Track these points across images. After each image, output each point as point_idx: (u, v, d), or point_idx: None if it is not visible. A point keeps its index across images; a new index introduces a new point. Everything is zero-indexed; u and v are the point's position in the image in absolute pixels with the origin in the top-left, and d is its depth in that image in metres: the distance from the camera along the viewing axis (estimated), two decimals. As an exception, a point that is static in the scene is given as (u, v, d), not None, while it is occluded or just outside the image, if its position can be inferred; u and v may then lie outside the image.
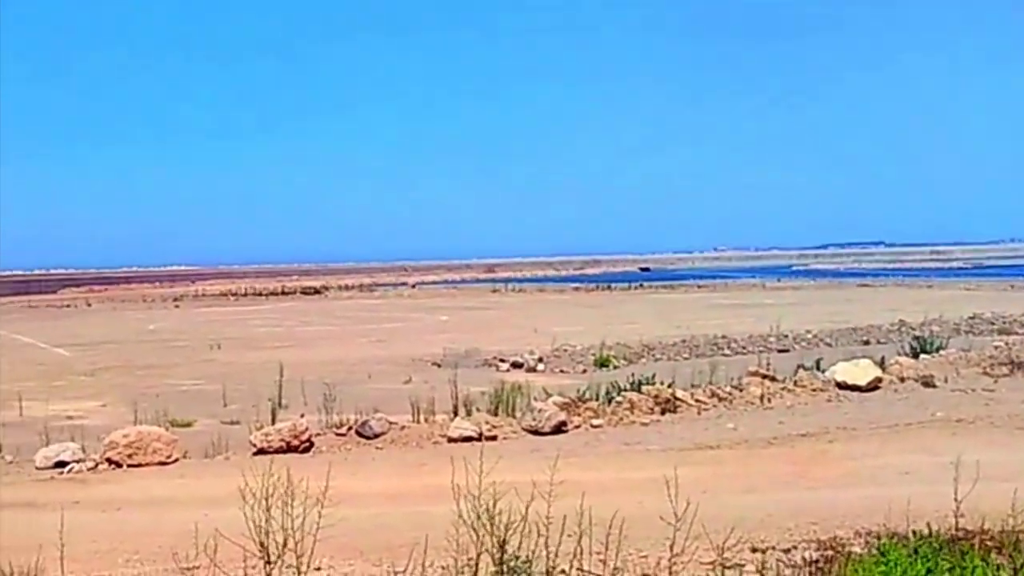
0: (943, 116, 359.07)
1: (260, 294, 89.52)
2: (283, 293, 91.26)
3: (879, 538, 8.44)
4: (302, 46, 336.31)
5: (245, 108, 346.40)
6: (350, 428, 15.39)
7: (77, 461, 13.52)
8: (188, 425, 17.10)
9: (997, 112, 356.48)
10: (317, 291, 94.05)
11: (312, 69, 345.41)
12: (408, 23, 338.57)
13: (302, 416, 16.12)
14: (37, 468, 13.50)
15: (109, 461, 13.58)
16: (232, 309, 65.58)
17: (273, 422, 15.48)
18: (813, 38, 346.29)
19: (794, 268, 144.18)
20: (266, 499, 7.10)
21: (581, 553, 7.27)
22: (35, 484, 12.77)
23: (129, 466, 13.47)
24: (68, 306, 75.05)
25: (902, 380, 20.20)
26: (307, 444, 14.55)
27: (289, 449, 14.13)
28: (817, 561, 8.19)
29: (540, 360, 27.07)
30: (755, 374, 19.86)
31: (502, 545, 7.22)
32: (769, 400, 18.28)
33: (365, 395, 19.13)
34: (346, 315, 54.89)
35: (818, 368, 21.02)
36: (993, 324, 35.56)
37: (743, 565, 8.12)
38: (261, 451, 13.96)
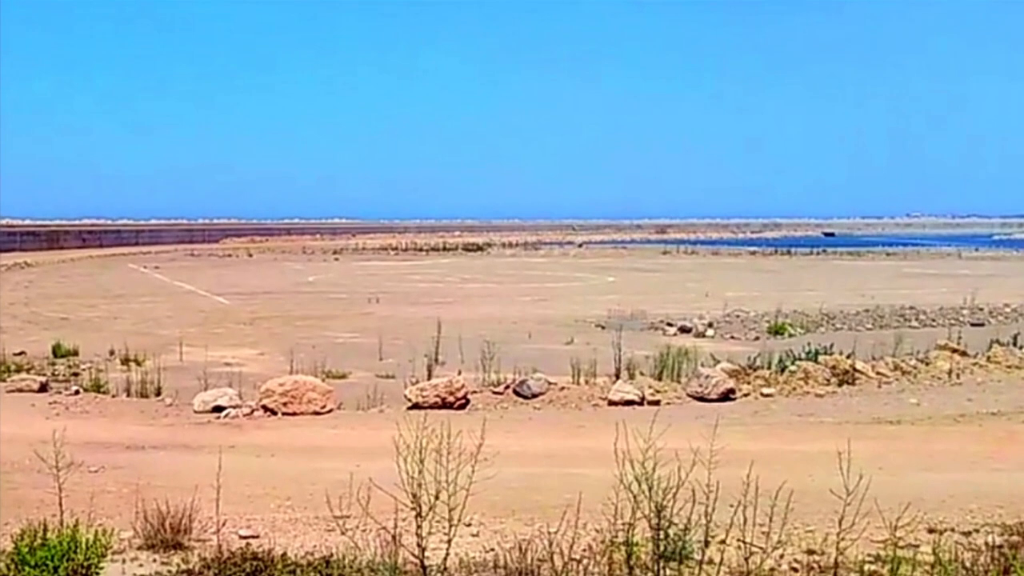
0: None
1: (421, 249, 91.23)
2: (444, 249, 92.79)
3: (1071, 525, 8.20)
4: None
5: (422, 65, 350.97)
6: (507, 387, 15.64)
7: (234, 407, 14.16)
8: (343, 377, 17.66)
9: None
10: (480, 248, 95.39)
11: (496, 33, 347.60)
12: None
13: (459, 373, 16.47)
14: (195, 412, 14.19)
15: (265, 408, 14.16)
16: (392, 263, 67.04)
17: (429, 377, 15.86)
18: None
19: (995, 237, 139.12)
20: (419, 452, 7.30)
21: (744, 523, 7.27)
22: (192, 427, 13.43)
23: (284, 414, 14.02)
24: (230, 255, 78.07)
25: (1113, 360, 19.40)
26: (463, 401, 14.84)
27: (444, 405, 14.43)
28: (1001, 546, 7.98)
29: (710, 325, 26.89)
30: (944, 348, 19.37)
31: (659, 511, 7.26)
32: (958, 376, 17.78)
33: (524, 355, 19.37)
34: (508, 273, 55.48)
35: (1015, 344, 20.38)
36: None
37: (917, 546, 7.98)
38: (416, 406, 14.31)
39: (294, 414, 14.01)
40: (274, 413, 14.07)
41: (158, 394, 15.62)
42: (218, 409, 14.11)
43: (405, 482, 7.30)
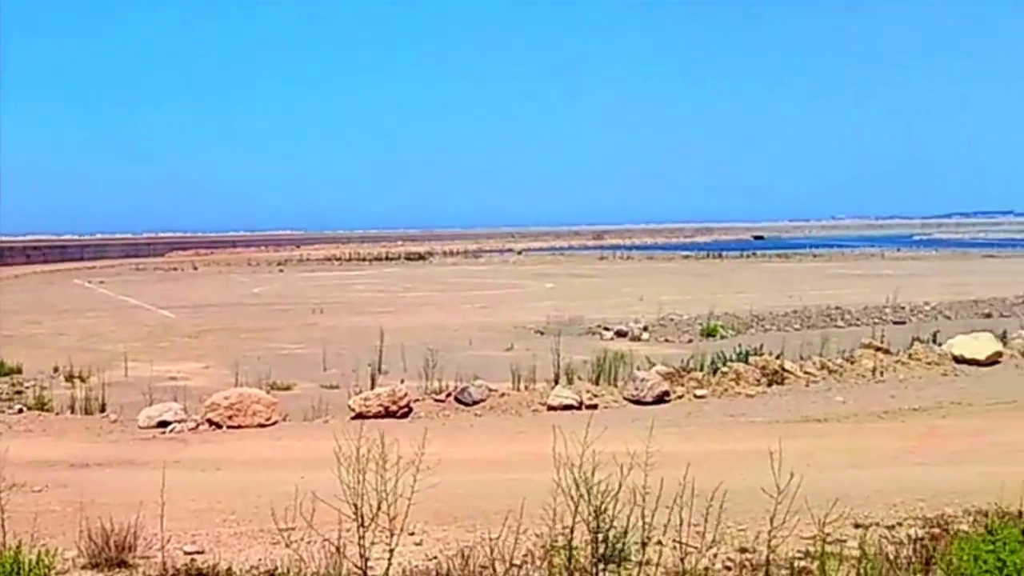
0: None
1: (364, 259, 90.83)
2: (387, 258, 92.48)
3: (988, 517, 8.29)
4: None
5: (356, 74, 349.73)
6: (449, 394, 15.58)
7: (179, 421, 13.97)
8: (288, 388, 17.49)
9: None
10: (421, 257, 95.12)
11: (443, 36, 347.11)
12: None
13: (402, 381, 16.39)
14: (140, 427, 13.98)
15: (210, 422, 13.99)
16: (336, 274, 66.64)
17: (372, 387, 15.73)
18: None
19: (916, 238, 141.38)
20: (361, 463, 7.24)
21: (680, 523, 7.28)
22: (137, 443, 13.21)
23: (229, 427, 13.86)
24: (175, 269, 77.11)
25: (1024, 355, 19.73)
26: (405, 409, 14.76)
27: (387, 414, 14.36)
28: (922, 539, 8.07)
29: (645, 329, 26.97)
30: (868, 346, 19.54)
31: (598, 514, 7.26)
32: (881, 373, 18.00)
33: (466, 362, 19.32)
34: (449, 281, 55.39)
35: (935, 341, 20.60)
36: None
37: (844, 541, 8.05)
38: (360, 415, 14.21)
39: (239, 427, 13.84)
40: (219, 427, 13.90)
41: (103, 410, 15.32)
42: (163, 424, 13.91)
43: (348, 492, 7.25)
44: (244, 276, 65.16)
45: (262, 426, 13.95)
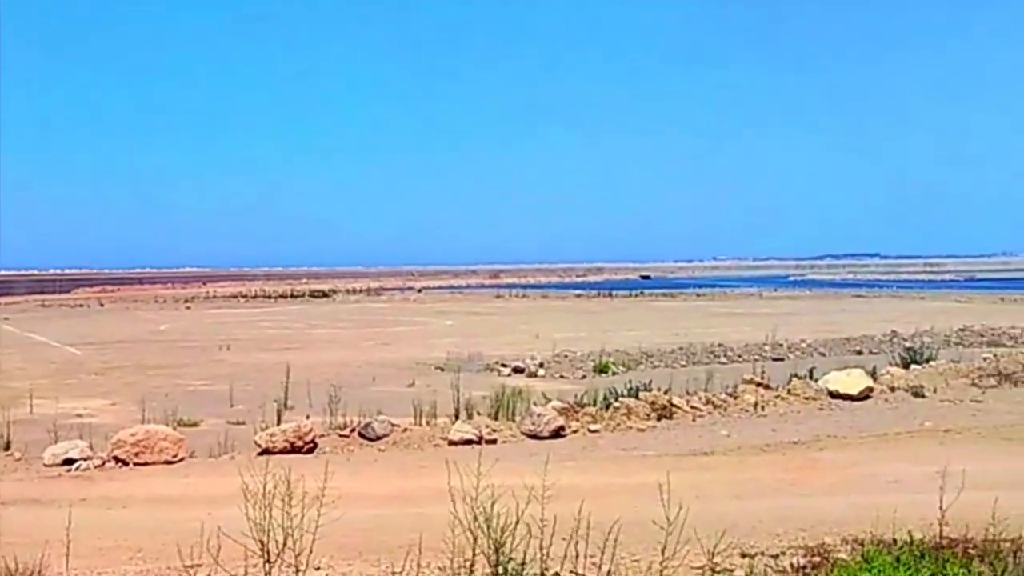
0: (938, 133, 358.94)
1: (270, 296, 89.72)
2: (292, 296, 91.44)
3: (864, 545, 8.42)
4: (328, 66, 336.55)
5: (259, 114, 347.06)
6: (353, 430, 15.38)
7: (85, 459, 13.51)
8: (195, 425, 17.08)
9: (990, 130, 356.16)
10: (325, 294, 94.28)
11: (336, 84, 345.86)
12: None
13: (307, 417, 16.15)
14: (45, 465, 13.49)
15: (116, 459, 13.57)
16: (242, 311, 65.65)
17: (278, 423, 15.47)
18: (812, 61, 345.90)
19: (791, 278, 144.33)
20: (267, 499, 7.11)
21: (577, 556, 7.27)
22: (42, 481, 12.74)
23: (136, 464, 13.45)
24: (81, 305, 75.19)
25: (892, 390, 20.15)
26: (311, 445, 14.53)
27: (293, 450, 14.11)
28: (804, 567, 8.18)
29: (541, 365, 27.02)
30: (750, 382, 19.78)
31: (498, 547, 7.22)
32: (763, 408, 18.25)
33: (369, 397, 19.09)
34: (353, 318, 54.94)
35: (811, 377, 20.91)
36: (983, 336, 35.42)
37: (732, 570, 8.11)
38: (266, 451, 13.94)
39: (146, 464, 13.44)
40: (126, 464, 13.48)
41: (7, 448, 14.71)
42: (69, 462, 13.43)
43: (254, 529, 7.10)
44: (151, 313, 63.82)
45: (169, 463, 13.58)
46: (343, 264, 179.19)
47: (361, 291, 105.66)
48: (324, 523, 7.19)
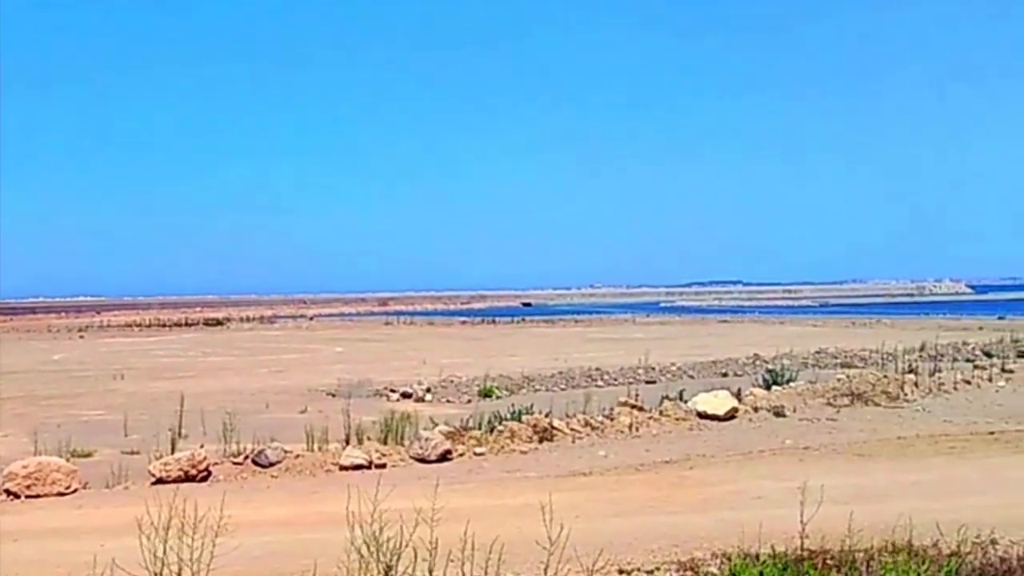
0: (788, 165, 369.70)
1: (164, 325, 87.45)
2: (186, 324, 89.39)
3: (732, 559, 8.56)
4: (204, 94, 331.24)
5: (151, 142, 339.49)
6: (247, 457, 15.06)
7: (-25, 493, 12.95)
8: (89, 455, 16.49)
9: (842, 163, 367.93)
10: (219, 322, 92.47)
11: (224, 115, 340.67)
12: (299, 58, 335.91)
13: (201, 446, 15.74)
14: (-64, 499, 12.90)
15: (8, 492, 13.01)
16: (136, 340, 63.97)
17: (172, 452, 15.05)
18: (683, 100, 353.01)
19: (662, 304, 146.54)
20: (162, 529, 6.90)
21: (463, 577, 7.22)
22: (-66, 515, 12.16)
23: (28, 497, 12.92)
24: (-28, 337, 72.27)
25: (756, 410, 20.59)
26: (205, 473, 14.18)
27: (187, 478, 13.76)
28: (677, 581, 8.27)
29: (428, 390, 26.90)
30: (625, 404, 20.00)
31: (387, 571, 7.14)
32: (637, 429, 18.45)
33: (263, 424, 18.73)
34: (246, 346, 53.95)
35: (681, 399, 21.24)
36: (836, 358, 36.37)
37: (611, 587, 8.15)
38: (160, 480, 13.57)
39: (38, 496, 12.92)
40: (17, 497, 12.93)
41: None
42: (-40, 496, 12.88)
43: (148, 560, 6.89)
44: (44, 343, 61.64)
45: (62, 494, 13.08)
46: (237, 292, 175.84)
47: (255, 319, 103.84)
48: (219, 552, 7.01)
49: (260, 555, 9.32)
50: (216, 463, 14.80)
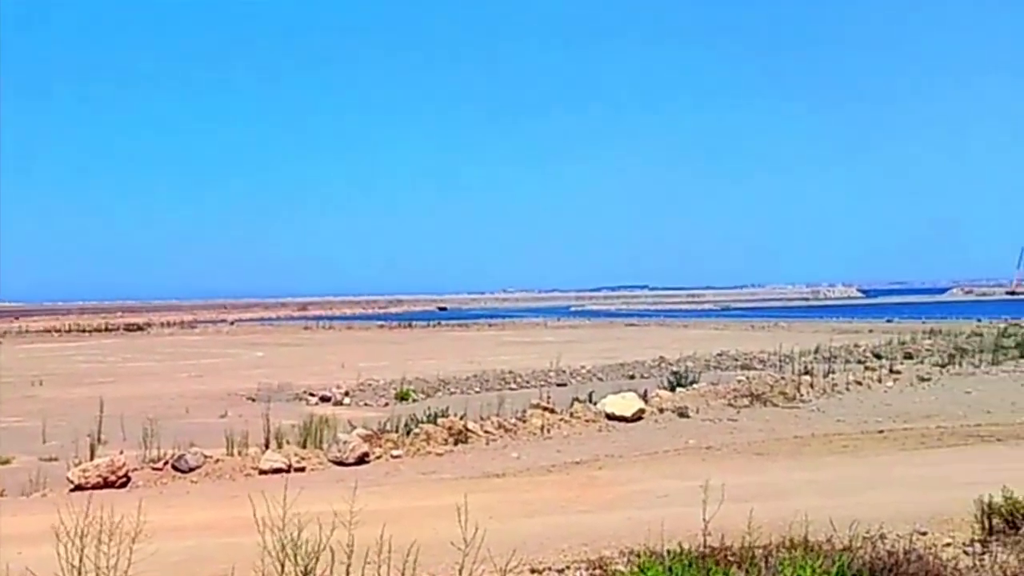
0: (700, 177, 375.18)
1: (84, 331, 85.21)
2: (107, 330, 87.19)
3: (640, 556, 8.60)
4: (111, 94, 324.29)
5: (58, 147, 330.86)
6: (167, 462, 14.73)
7: None
8: (6, 463, 15.97)
9: (743, 173, 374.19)
10: (140, 328, 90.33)
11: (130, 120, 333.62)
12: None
13: (121, 452, 15.35)
14: None
15: (-76, 500, 12.57)
16: (56, 345, 62.25)
17: (92, 458, 14.65)
18: (564, 113, 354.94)
19: (572, 309, 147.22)
20: (80, 536, 6.70)
21: (379, 579, 7.15)
22: None
23: (-56, 504, 12.49)
24: None
25: (661, 411, 20.81)
26: (124, 479, 13.83)
27: (107, 485, 13.39)
28: (586, 579, 8.29)
29: (347, 394, 26.65)
30: (537, 406, 20.04)
31: (306, 574, 7.03)
32: (549, 431, 18.50)
33: (183, 429, 18.37)
34: (167, 351, 52.84)
35: (591, 401, 21.35)
36: (737, 360, 36.99)
37: (524, 586, 8.14)
38: (79, 487, 13.18)
39: (-45, 503, 12.51)
40: (-66, 503, 12.51)
41: None
42: None
43: (66, 567, 6.67)
44: (-39, 349, 59.64)
45: (-21, 501, 12.66)
46: (158, 297, 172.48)
47: (175, 324, 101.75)
48: (137, 558, 6.83)
49: (179, 560, 9.11)
50: (136, 469, 14.45)
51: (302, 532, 7.03)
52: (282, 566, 7.00)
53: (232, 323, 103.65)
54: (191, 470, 14.48)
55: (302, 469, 14.79)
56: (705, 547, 8.57)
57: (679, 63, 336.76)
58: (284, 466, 14.69)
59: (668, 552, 8.52)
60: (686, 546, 8.58)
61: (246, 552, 7.63)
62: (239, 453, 15.52)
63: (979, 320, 66.14)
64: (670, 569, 7.86)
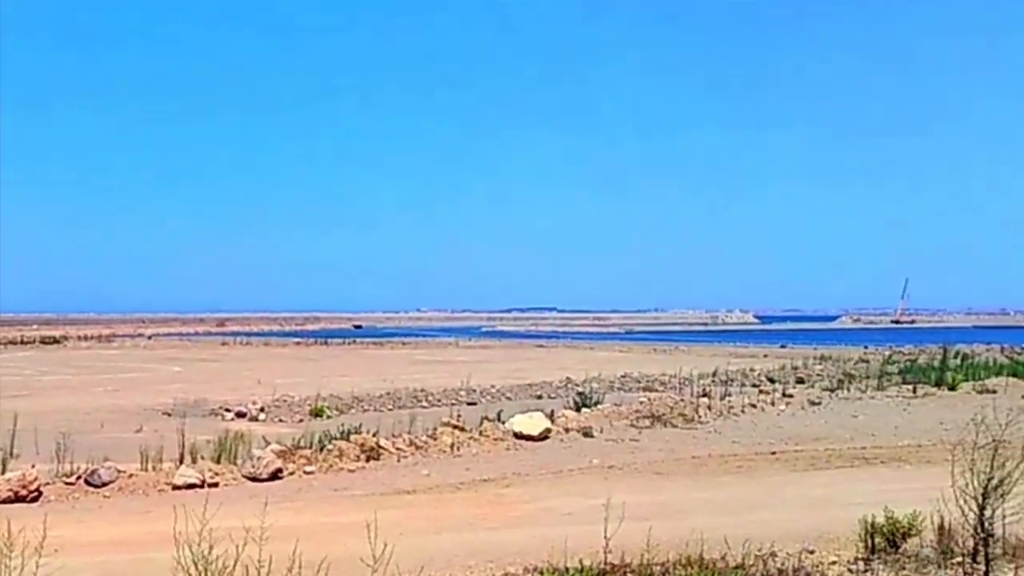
0: (606, 203, 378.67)
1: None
2: (22, 342, 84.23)
3: (543, 574, 8.62)
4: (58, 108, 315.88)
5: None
6: (79, 477, 14.27)
7: None
8: (-85, 477, 15.32)
9: (648, 201, 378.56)
10: (57, 341, 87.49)
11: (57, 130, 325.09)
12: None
13: (33, 466, 14.82)
14: None
15: None
16: (-31, 357, 59.99)
17: (3, 472, 14.13)
18: (473, 138, 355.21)
19: (483, 329, 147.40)
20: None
21: (290, 596, 7.01)
22: None
23: None
24: None
25: (567, 431, 20.90)
26: (36, 493, 13.36)
27: (17, 499, 12.93)
28: (492, 595, 8.26)
29: (262, 410, 26.20)
30: (447, 424, 19.98)
31: (217, 590, 6.87)
32: (458, 448, 18.44)
33: (98, 444, 17.84)
34: (84, 365, 51.30)
35: (499, 419, 21.35)
36: (639, 382, 37.38)
37: (430, 602, 8.08)
38: (-11, 501, 12.71)
39: None
40: None
41: None
42: None
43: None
44: None
45: None
46: (76, 311, 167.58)
47: (93, 338, 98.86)
48: (43, 574, 6.60)
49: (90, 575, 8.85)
50: (48, 483, 13.97)
51: (214, 548, 6.88)
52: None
53: (150, 338, 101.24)
54: (104, 485, 14.07)
55: (216, 484, 14.48)
56: (606, 564, 8.63)
57: (591, 88, 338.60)
58: (198, 481, 14.37)
59: (570, 569, 8.55)
60: (588, 563, 8.63)
61: (157, 568, 7.45)
62: (153, 468, 15.12)
63: (866, 347, 67.94)
64: (572, 585, 7.90)
